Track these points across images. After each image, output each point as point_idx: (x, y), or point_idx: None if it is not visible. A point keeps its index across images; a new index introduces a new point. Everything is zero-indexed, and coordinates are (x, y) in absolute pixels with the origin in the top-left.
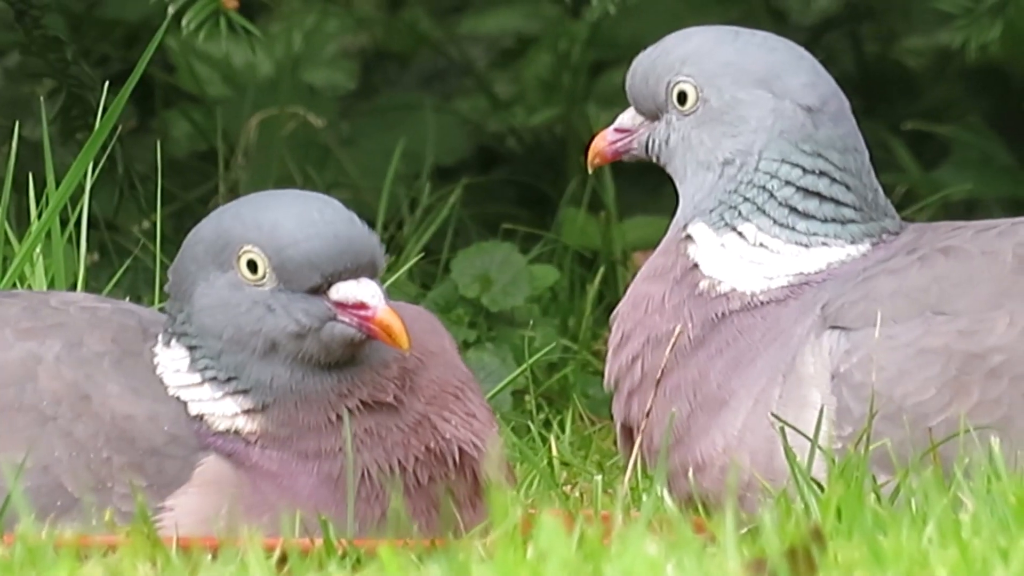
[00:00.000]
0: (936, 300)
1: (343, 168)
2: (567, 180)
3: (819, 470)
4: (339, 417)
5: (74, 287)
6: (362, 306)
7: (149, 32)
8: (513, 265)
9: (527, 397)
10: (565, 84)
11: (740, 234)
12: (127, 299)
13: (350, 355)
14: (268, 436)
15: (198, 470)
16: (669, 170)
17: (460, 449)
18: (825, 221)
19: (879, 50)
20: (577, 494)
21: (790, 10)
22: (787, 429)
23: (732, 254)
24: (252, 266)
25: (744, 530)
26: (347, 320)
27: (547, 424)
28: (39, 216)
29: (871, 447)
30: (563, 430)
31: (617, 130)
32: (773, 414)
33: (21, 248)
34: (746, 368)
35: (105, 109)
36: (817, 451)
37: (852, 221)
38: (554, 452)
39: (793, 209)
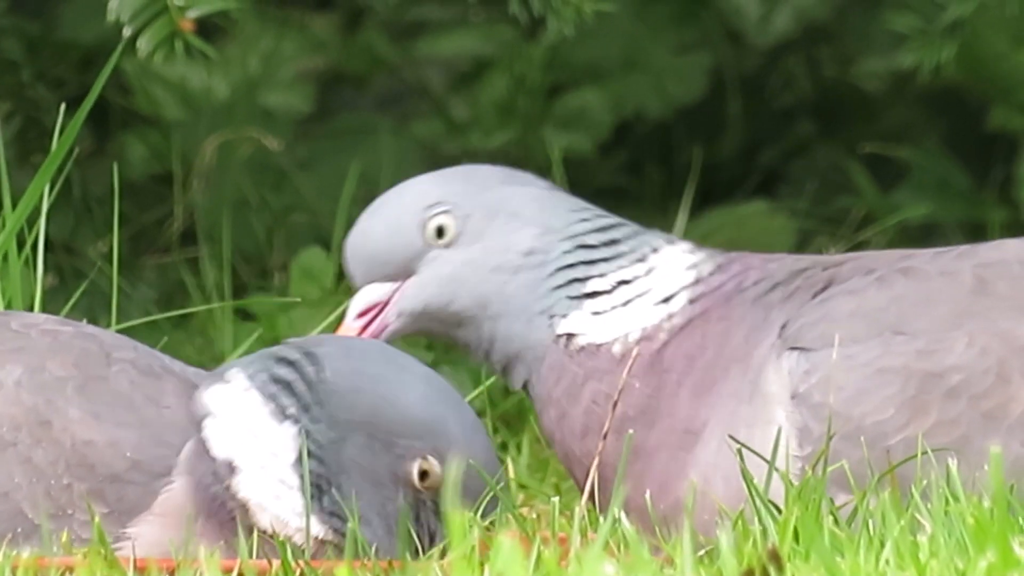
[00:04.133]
0: (895, 320)
1: (299, 191)
2: None
3: (781, 491)
4: None
5: (31, 310)
6: None
7: (105, 55)
8: None
9: (484, 419)
10: (522, 107)
11: (595, 292)
12: (84, 321)
13: None
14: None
15: (161, 497)
16: (456, 311)
17: None
18: (632, 241)
19: (836, 73)
20: (534, 516)
21: (746, 32)
22: (754, 450)
23: (601, 308)
24: (423, 475)
25: (701, 552)
26: None
27: (504, 446)
28: None
29: (830, 468)
30: (520, 452)
31: (361, 314)
32: (730, 435)
33: None
34: (707, 395)
35: (61, 132)
36: (778, 473)
37: (642, 232)
38: (511, 474)
39: (610, 242)
